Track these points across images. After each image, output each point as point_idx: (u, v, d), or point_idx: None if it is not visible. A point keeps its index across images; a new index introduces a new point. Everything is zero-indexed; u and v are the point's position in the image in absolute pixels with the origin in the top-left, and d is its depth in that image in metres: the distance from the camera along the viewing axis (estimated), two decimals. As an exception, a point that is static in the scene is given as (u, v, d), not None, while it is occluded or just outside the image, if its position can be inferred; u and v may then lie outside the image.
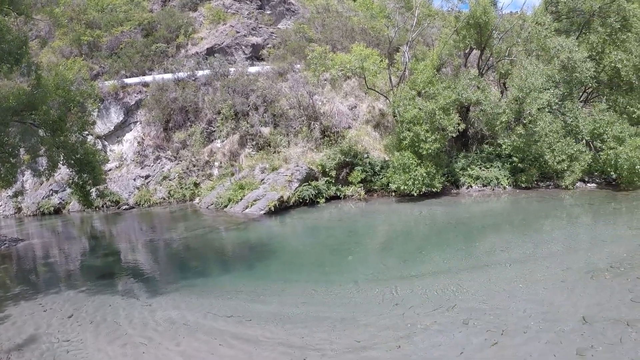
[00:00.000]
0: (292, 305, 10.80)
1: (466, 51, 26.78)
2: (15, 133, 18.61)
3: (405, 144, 22.38)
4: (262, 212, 22.76)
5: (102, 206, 31.02)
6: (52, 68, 23.58)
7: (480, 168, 24.10)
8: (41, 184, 33.33)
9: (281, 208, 23.22)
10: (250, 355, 8.51)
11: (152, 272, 15.84)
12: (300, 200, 24.08)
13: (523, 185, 22.95)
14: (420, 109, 21.97)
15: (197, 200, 29.49)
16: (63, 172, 31.11)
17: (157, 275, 15.43)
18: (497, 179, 23.40)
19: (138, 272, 15.86)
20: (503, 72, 26.00)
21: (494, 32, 24.72)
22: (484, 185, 23.66)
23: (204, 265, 16.26)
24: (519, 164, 23.28)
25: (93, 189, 23.28)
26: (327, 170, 24.88)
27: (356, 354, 8.02)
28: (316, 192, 24.22)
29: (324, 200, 24.36)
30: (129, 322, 10.86)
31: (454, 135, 23.02)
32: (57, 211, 32.56)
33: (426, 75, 22.94)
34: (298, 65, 31.88)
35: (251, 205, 23.50)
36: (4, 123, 16.26)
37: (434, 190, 22.51)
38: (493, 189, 23.38)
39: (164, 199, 30.83)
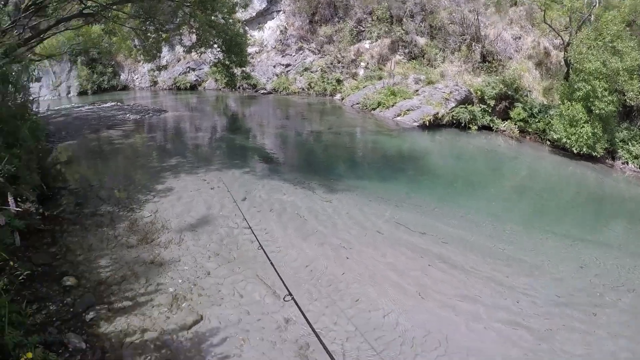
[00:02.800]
0: (484, 237, 11.40)
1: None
2: (166, 9, 19.48)
3: (578, 95, 21.60)
4: (416, 123, 23.92)
5: (239, 88, 33.15)
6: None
7: (644, 147, 22.69)
8: (178, 61, 35.53)
9: (433, 124, 24.08)
10: (464, 284, 8.96)
11: (314, 164, 16.71)
12: (453, 122, 24.68)
13: (689, 182, 21.31)
14: (603, 63, 20.86)
15: (338, 96, 30.91)
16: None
17: (321, 169, 16.15)
18: (660, 166, 21.91)
19: (299, 162, 16.74)
20: None
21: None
22: (640, 167, 22.44)
23: (369, 167, 17.10)
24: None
25: (238, 70, 24.81)
26: (485, 97, 24.93)
27: (560, 309, 8.68)
28: (471, 117, 24.58)
29: (476, 127, 24.64)
30: (315, 218, 11.03)
31: (633, 102, 21.99)
32: (193, 87, 35.02)
33: (616, 28, 21.32)
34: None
35: (404, 114, 24.68)
36: (157, -3, 17.02)
37: (593, 154, 21.66)
38: (651, 175, 22.24)
39: (303, 89, 32.46)
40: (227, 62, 22.30)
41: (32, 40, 18.43)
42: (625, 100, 21.90)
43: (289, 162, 16.81)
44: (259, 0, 34.75)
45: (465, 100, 25.30)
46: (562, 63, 26.07)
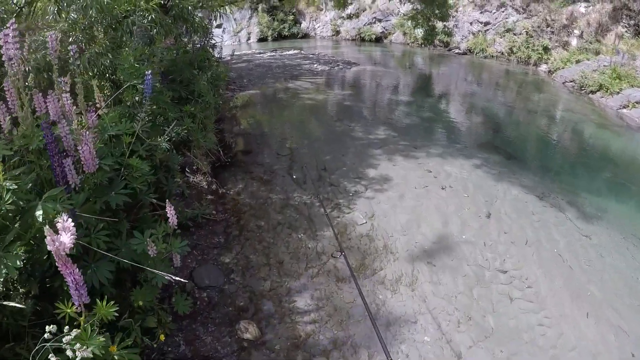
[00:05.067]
0: None
1: None
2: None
3: None
4: None
5: (429, 44, 28.56)
6: None
7: None
8: (364, 11, 32.00)
9: None
10: None
11: (546, 163, 11.95)
12: None
13: None
14: None
15: (543, 67, 25.11)
16: (389, 1, 29.20)
17: (559, 173, 11.43)
18: None
19: (528, 156, 12.23)
20: None
21: None
22: None
23: (606, 181, 11.78)
24: None
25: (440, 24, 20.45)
26: None
27: None
28: None
29: None
30: (579, 266, 7.13)
31: None
32: (378, 40, 31.41)
33: None
34: None
35: (632, 107, 18.88)
36: None
37: None
38: None
39: (502, 53, 26.87)
40: (428, 14, 18.24)
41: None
42: None
43: (519, 155, 12.20)
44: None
45: None
46: None
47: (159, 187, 4.61)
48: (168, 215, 3.24)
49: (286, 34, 33.37)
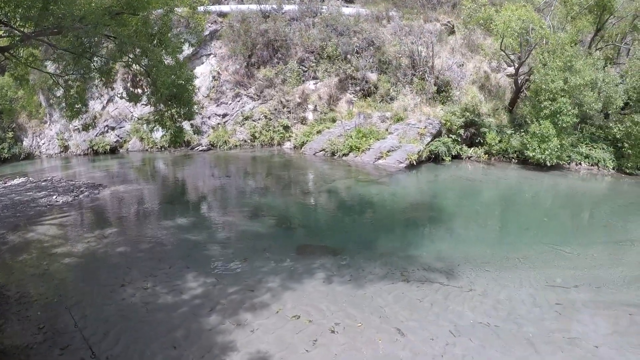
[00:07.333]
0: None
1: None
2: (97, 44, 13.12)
3: (545, 114, 20.72)
4: (402, 165, 20.28)
5: (168, 147, 26.63)
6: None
7: (587, 147, 22.77)
8: (94, 119, 27.57)
9: (417, 162, 20.86)
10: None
11: (371, 242, 11.41)
12: (430, 157, 21.92)
13: (627, 171, 21.66)
14: (564, 81, 20.23)
15: (287, 144, 25.83)
16: (121, 106, 26.53)
17: (388, 245, 11.09)
18: (604, 160, 22.22)
19: (346, 240, 11.46)
20: (610, 57, 25.21)
21: (611, 15, 23.39)
22: (591, 165, 22.33)
23: (419, 228, 12.77)
24: (629, 150, 21.72)
25: (187, 124, 18.50)
26: (454, 127, 22.74)
27: None
28: (446, 149, 22.05)
29: (449, 158, 22.13)
30: (498, 318, 7.43)
31: (592, 112, 21.87)
32: (113, 150, 27.73)
33: (573, 50, 20.97)
34: (393, 12, 28.63)
35: (386, 157, 20.76)
36: (98, 25, 10.82)
37: (561, 162, 21.53)
38: (599, 169, 21.96)
39: (246, 141, 26.70)
40: (173, 114, 15.67)
41: None
42: (583, 111, 21.68)
43: (339, 244, 11.00)
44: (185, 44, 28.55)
45: (439, 133, 22.25)
46: (500, 85, 25.61)
47: None
48: None
49: (6, 155, 26.50)
